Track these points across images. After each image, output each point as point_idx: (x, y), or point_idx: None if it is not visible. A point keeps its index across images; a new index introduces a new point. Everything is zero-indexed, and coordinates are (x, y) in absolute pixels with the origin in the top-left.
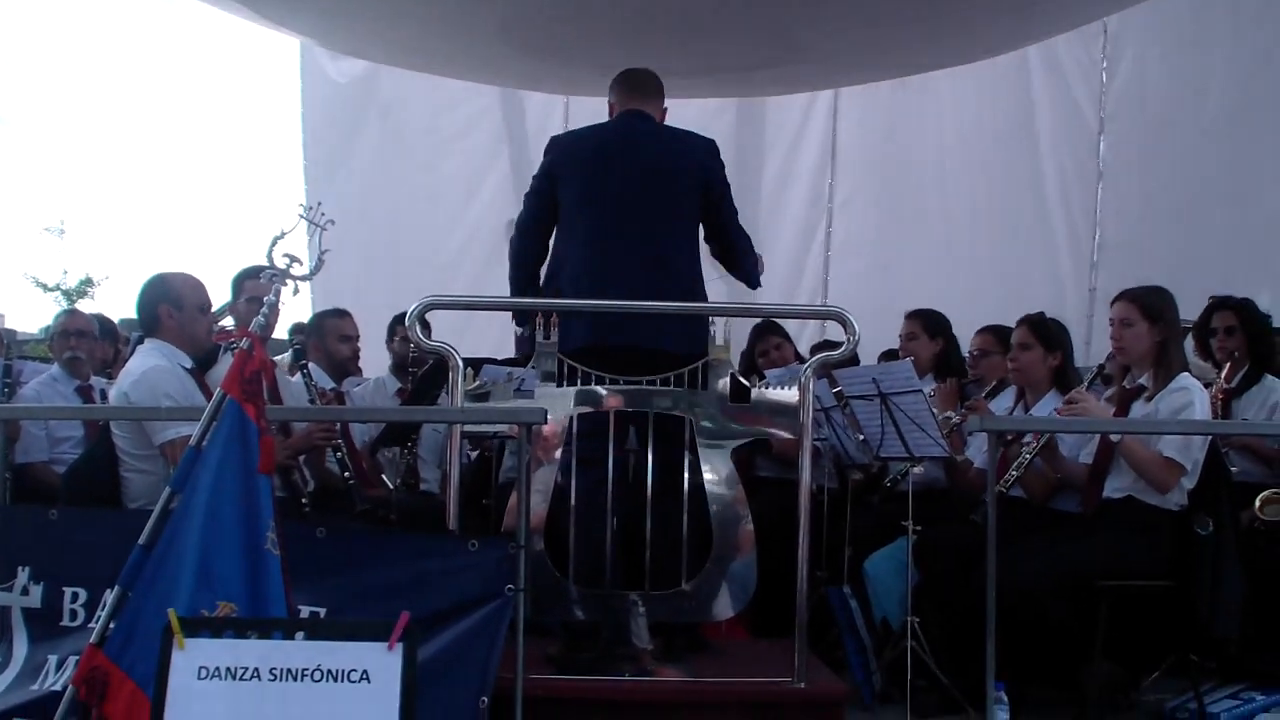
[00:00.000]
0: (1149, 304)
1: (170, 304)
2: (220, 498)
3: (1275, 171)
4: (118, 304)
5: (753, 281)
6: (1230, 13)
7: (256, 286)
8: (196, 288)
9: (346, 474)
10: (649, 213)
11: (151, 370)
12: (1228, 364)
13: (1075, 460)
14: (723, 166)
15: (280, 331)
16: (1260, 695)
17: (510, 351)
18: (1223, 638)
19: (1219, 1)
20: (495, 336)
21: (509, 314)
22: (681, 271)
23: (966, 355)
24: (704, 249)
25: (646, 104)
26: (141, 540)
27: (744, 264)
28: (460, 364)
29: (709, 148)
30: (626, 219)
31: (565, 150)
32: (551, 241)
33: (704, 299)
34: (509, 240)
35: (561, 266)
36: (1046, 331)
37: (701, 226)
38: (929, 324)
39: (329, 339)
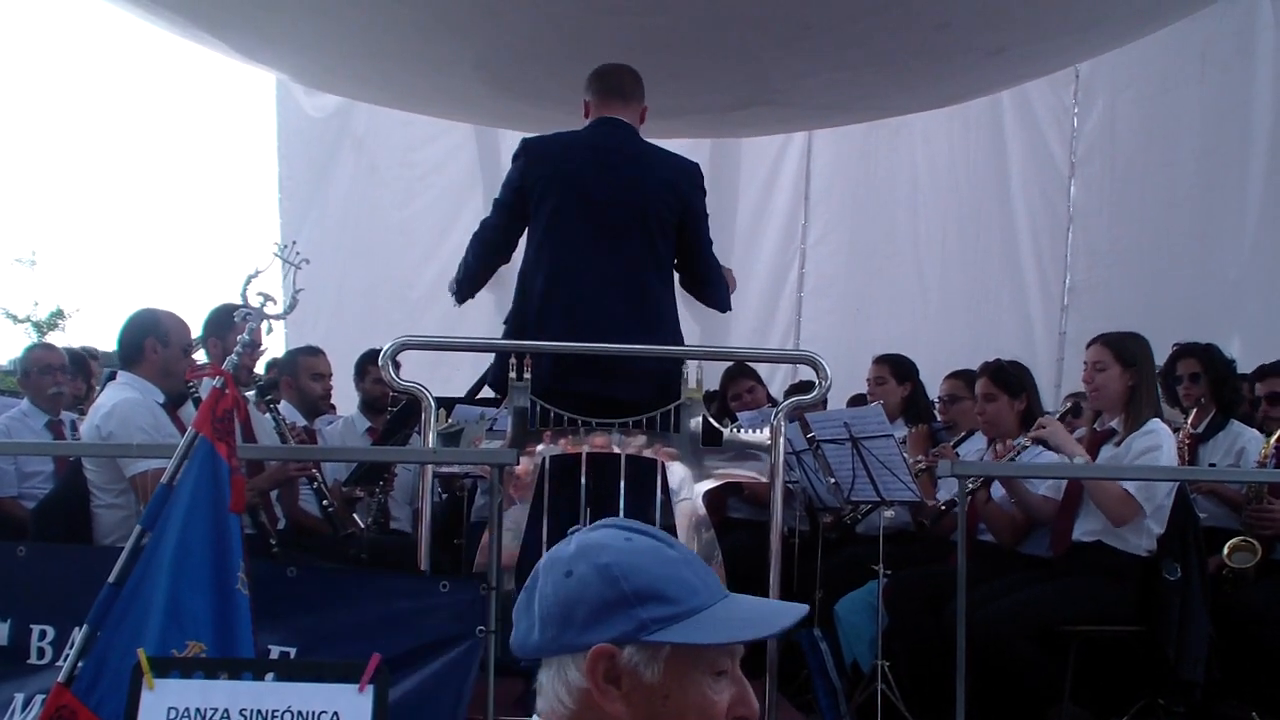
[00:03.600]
0: (1123, 349)
1: (157, 338)
2: (191, 536)
3: (1245, 216)
4: (89, 336)
5: (723, 306)
6: (1200, 59)
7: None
8: (184, 328)
9: (325, 502)
10: (627, 244)
11: (123, 403)
12: (1194, 410)
13: (1035, 493)
14: (704, 194)
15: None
16: None
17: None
18: (1189, 682)
19: (1189, 48)
20: (469, 373)
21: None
22: (664, 313)
23: (935, 400)
24: None
25: (626, 108)
26: (111, 578)
27: (714, 295)
28: (432, 404)
29: (692, 175)
30: (603, 251)
31: (539, 162)
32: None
33: (681, 337)
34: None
35: (527, 294)
36: (1007, 378)
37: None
38: (897, 369)
39: (302, 376)
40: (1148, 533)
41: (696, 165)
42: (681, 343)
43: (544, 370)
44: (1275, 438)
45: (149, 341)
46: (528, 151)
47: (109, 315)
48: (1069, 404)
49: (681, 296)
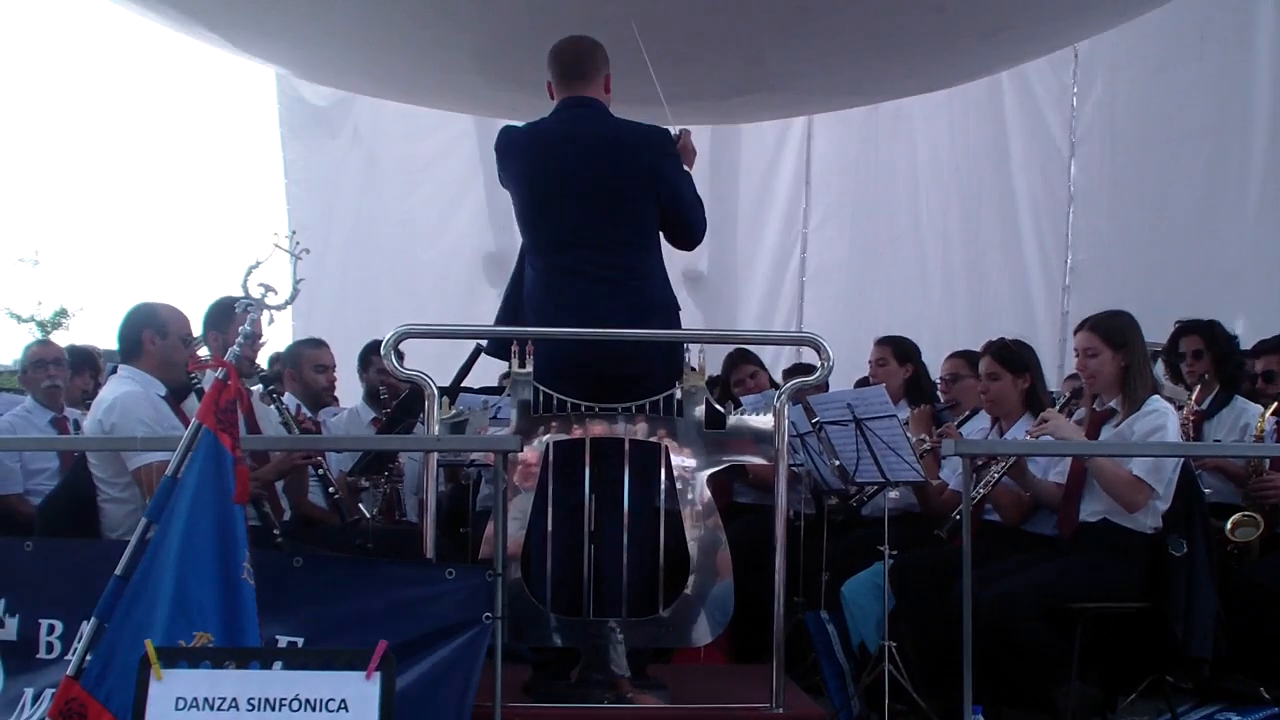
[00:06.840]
0: (1110, 331)
1: (155, 330)
2: (196, 528)
3: (1245, 194)
4: (93, 335)
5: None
6: (1199, 37)
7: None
8: (182, 319)
9: (331, 489)
10: (607, 228)
11: (124, 396)
12: (1198, 386)
13: (1045, 480)
14: (675, 156)
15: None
16: (1235, 715)
17: (485, 380)
18: (1197, 658)
19: (1188, 26)
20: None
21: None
22: (655, 293)
23: (937, 380)
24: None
25: (588, 85)
26: (118, 571)
27: (693, 240)
28: (436, 392)
29: (659, 145)
30: (585, 239)
31: (512, 157)
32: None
33: (677, 314)
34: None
35: (520, 287)
36: (1011, 357)
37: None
38: (898, 350)
39: (305, 369)
40: (1153, 510)
41: (665, 131)
42: (677, 319)
43: (544, 366)
44: (1271, 410)
45: (147, 334)
46: (500, 146)
47: (113, 313)
48: (1068, 391)
49: (681, 283)
